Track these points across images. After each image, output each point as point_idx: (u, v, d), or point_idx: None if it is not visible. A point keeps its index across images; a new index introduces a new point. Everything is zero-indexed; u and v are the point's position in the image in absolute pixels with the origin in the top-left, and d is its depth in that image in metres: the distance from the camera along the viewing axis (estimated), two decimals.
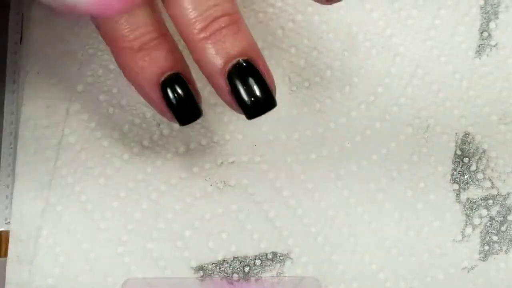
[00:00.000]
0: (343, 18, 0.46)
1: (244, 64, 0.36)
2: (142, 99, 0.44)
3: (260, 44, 0.42)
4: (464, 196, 0.44)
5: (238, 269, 0.43)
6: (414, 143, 0.44)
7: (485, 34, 0.46)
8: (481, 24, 0.46)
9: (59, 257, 0.43)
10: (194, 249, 0.43)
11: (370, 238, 0.43)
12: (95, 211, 0.43)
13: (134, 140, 0.44)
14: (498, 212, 0.44)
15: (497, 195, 0.44)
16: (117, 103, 0.45)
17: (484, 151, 0.44)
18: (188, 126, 0.42)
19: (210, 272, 0.43)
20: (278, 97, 0.42)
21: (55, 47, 0.45)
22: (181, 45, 0.40)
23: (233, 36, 0.36)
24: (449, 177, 0.44)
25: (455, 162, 0.44)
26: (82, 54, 0.45)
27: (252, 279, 0.43)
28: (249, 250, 0.43)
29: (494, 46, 0.46)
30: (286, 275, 0.43)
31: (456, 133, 0.45)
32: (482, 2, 0.46)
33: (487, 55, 0.46)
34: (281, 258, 0.43)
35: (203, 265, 0.43)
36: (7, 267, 0.43)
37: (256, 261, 0.43)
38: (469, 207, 0.44)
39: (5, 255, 0.43)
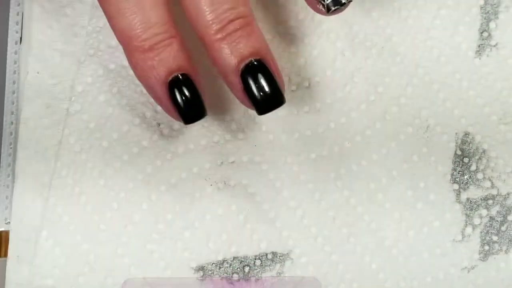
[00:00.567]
0: (344, 17, 0.46)
1: (256, 63, 0.39)
2: (142, 100, 0.44)
3: None
4: (464, 196, 0.44)
5: (238, 269, 0.43)
6: (414, 143, 0.44)
7: (485, 34, 0.46)
8: (481, 24, 0.46)
9: (59, 257, 0.43)
10: (194, 249, 0.43)
11: (370, 238, 0.43)
12: (95, 212, 0.43)
13: (134, 140, 0.44)
14: (498, 212, 0.44)
15: (497, 195, 0.44)
16: (117, 103, 0.45)
17: (484, 151, 0.44)
18: (189, 126, 0.43)
19: (210, 272, 0.43)
20: None
21: (55, 47, 0.45)
22: (191, 44, 0.40)
23: (246, 37, 0.39)
24: (449, 177, 0.44)
25: (455, 162, 0.44)
26: (82, 54, 0.45)
27: (252, 279, 0.43)
28: (249, 250, 0.43)
29: (494, 46, 0.46)
30: (286, 275, 0.43)
31: (456, 133, 0.45)
32: (482, 2, 0.46)
33: (487, 55, 0.46)
34: (281, 258, 0.43)
35: (203, 265, 0.43)
36: (7, 267, 0.43)
37: (256, 261, 0.43)
38: (469, 207, 0.44)
39: (5, 255, 0.43)
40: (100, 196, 0.43)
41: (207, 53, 0.40)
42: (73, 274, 0.42)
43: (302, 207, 0.44)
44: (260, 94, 0.39)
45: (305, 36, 0.46)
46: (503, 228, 0.44)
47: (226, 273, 0.43)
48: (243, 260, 0.43)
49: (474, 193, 0.44)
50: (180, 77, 0.39)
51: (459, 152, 0.44)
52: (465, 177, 0.44)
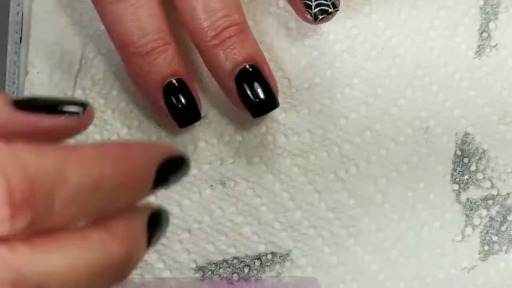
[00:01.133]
0: (343, 19, 0.46)
1: (250, 69, 0.41)
2: (140, 102, 0.44)
3: (259, 45, 0.43)
4: (464, 196, 0.44)
5: (238, 269, 0.43)
6: (414, 144, 0.44)
7: (485, 34, 0.46)
8: (481, 25, 0.46)
9: None
10: (194, 250, 0.43)
11: (370, 239, 0.43)
12: None
13: None
14: (498, 212, 0.44)
15: (497, 195, 0.44)
16: (116, 105, 0.45)
17: (484, 151, 0.44)
18: (187, 127, 0.43)
19: (210, 272, 0.43)
20: (278, 98, 0.42)
21: (55, 47, 0.45)
22: (185, 49, 0.41)
23: (240, 44, 0.41)
24: (449, 177, 0.44)
25: (455, 162, 0.44)
26: (82, 55, 0.45)
27: (252, 279, 0.43)
28: (249, 250, 0.43)
29: (494, 46, 0.46)
30: (286, 275, 0.43)
31: (456, 134, 0.45)
32: (481, 3, 0.46)
33: (487, 56, 0.46)
34: (281, 258, 0.43)
35: (203, 265, 0.43)
36: None
37: (256, 261, 0.43)
38: (469, 207, 0.44)
39: None
40: None
41: (202, 59, 0.42)
42: None
43: (302, 208, 0.43)
44: (254, 98, 0.41)
45: (305, 37, 0.46)
46: (503, 228, 0.43)
47: (226, 273, 0.43)
48: (243, 260, 0.43)
49: (474, 193, 0.44)
50: (175, 82, 0.41)
51: (459, 153, 0.44)
52: (465, 177, 0.44)
